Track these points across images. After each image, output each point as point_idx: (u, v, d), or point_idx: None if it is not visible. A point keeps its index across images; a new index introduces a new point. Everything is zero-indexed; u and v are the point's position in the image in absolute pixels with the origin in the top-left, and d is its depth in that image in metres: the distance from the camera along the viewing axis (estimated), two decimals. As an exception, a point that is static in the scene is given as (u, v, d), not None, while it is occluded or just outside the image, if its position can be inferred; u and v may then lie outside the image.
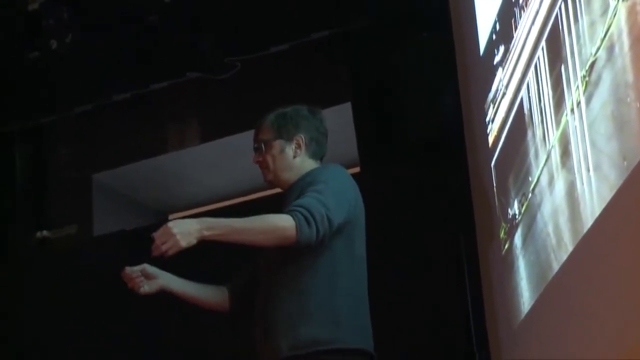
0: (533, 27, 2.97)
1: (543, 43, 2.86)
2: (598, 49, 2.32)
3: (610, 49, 2.23)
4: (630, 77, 2.13)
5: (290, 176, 3.40)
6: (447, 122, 4.75)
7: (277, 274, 3.28)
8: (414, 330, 4.74)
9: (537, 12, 2.91)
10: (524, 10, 3.10)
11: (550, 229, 2.88)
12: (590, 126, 2.42)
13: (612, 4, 2.21)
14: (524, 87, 3.13)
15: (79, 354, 5.46)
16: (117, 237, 5.78)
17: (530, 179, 3.10)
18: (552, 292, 2.88)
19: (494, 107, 3.63)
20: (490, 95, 3.67)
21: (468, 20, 4.11)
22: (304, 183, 3.30)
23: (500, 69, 3.49)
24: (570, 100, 2.57)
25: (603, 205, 2.33)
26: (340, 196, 3.25)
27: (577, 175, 2.55)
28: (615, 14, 2.19)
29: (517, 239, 3.33)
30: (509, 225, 3.47)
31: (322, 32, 5.56)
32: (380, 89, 5.41)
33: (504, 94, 3.43)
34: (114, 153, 6.20)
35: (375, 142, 5.42)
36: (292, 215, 3.12)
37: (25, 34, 5.67)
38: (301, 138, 3.42)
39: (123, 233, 5.82)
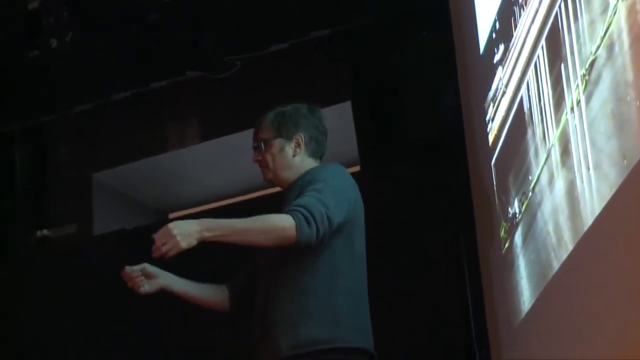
0: (533, 26, 2.96)
1: (543, 42, 2.86)
2: (598, 47, 2.31)
3: (610, 48, 2.23)
4: (630, 75, 2.13)
5: (289, 175, 3.40)
6: (447, 121, 4.75)
7: (277, 273, 3.28)
8: (414, 329, 4.74)
9: (536, 11, 2.91)
10: (523, 9, 3.10)
11: (550, 227, 2.88)
12: (590, 125, 2.42)
13: (612, 2, 2.21)
14: (524, 85, 3.13)
15: (79, 354, 5.46)
16: (117, 236, 5.78)
17: (530, 177, 3.10)
18: (552, 290, 2.88)
19: (494, 106, 3.63)
20: (490, 94, 3.67)
21: (468, 19, 4.11)
22: (304, 182, 3.30)
23: (500, 68, 3.49)
24: (570, 99, 2.57)
25: (603, 204, 2.33)
26: (340, 195, 3.25)
27: (577, 174, 2.55)
28: (615, 12, 2.19)
29: (518, 237, 3.33)
30: (509, 224, 3.47)
31: (322, 31, 5.55)
32: (381, 88, 5.41)
33: (504, 92, 3.43)
34: (114, 152, 6.20)
35: (375, 141, 5.41)
36: (292, 215, 3.12)
37: (25, 32, 5.67)
38: (301, 137, 3.42)
39: (123, 232, 5.82)
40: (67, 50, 5.58)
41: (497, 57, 3.53)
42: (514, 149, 3.31)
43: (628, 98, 2.13)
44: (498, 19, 3.53)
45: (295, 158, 3.41)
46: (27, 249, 6.11)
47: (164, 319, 5.27)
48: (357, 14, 5.42)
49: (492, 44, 3.62)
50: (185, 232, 3.05)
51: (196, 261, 3.44)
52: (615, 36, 2.20)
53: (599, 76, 2.32)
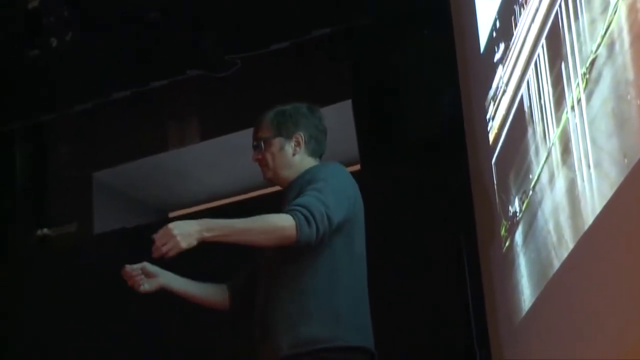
0: (533, 25, 2.96)
1: (543, 40, 2.86)
2: (598, 46, 2.31)
3: (611, 47, 2.23)
4: (630, 74, 2.13)
5: (289, 174, 3.40)
6: (447, 120, 4.75)
7: (277, 273, 3.27)
8: (414, 328, 4.74)
9: (537, 10, 2.91)
10: (524, 8, 3.10)
11: (551, 226, 2.88)
12: (590, 123, 2.41)
13: (612, 1, 2.21)
14: (524, 84, 3.13)
15: (79, 353, 5.46)
16: (117, 235, 5.78)
17: (530, 176, 3.10)
18: (552, 289, 2.88)
19: (494, 105, 3.63)
20: (491, 93, 3.67)
21: (468, 18, 4.11)
22: (303, 181, 3.30)
23: (500, 67, 3.49)
24: (571, 98, 2.57)
25: (604, 203, 2.33)
26: (339, 194, 3.25)
27: (577, 173, 2.55)
28: (615, 11, 2.19)
29: (518, 236, 3.33)
30: (509, 222, 3.47)
31: (322, 29, 5.55)
32: (381, 87, 5.40)
33: (505, 91, 3.43)
34: (115, 151, 6.20)
35: (376, 139, 5.41)
36: (292, 215, 3.12)
37: (25, 32, 5.67)
38: (300, 136, 3.42)
39: (123, 231, 5.82)
40: (67, 50, 5.58)
41: (497, 56, 3.53)
42: (514, 148, 3.31)
43: (628, 97, 2.13)
44: (498, 17, 3.53)
45: (295, 157, 3.41)
46: (28, 248, 6.11)
47: (164, 319, 5.27)
48: (358, 13, 5.42)
49: (492, 43, 3.62)
50: (185, 232, 3.05)
51: (196, 261, 3.44)
52: (615, 35, 2.20)
53: (599, 75, 2.32)
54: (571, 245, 2.64)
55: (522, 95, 3.18)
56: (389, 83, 5.37)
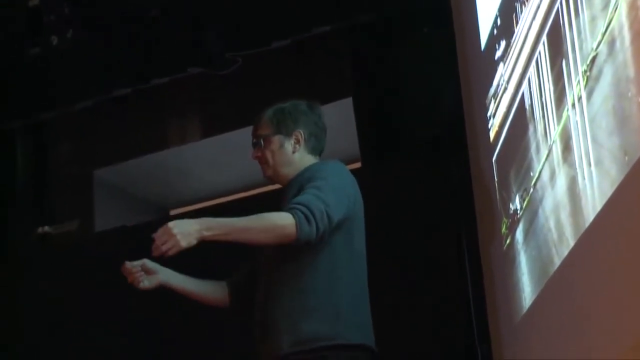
0: (534, 22, 2.96)
1: (544, 38, 2.86)
2: (599, 43, 2.31)
3: (611, 44, 2.23)
4: (631, 71, 2.12)
5: (289, 171, 3.40)
6: (448, 117, 4.74)
7: (277, 272, 3.28)
8: (415, 325, 4.74)
9: (538, 7, 2.91)
10: (525, 5, 3.09)
11: (551, 224, 2.88)
12: (591, 121, 2.41)
13: (613, -2, 2.21)
14: (525, 82, 3.13)
15: (80, 351, 5.46)
16: (118, 233, 5.78)
17: (531, 174, 3.10)
18: (553, 287, 2.88)
19: (495, 102, 3.63)
20: (492, 90, 3.67)
21: (469, 16, 4.10)
22: (303, 179, 3.30)
23: (501, 64, 3.48)
24: (572, 95, 2.57)
25: (604, 200, 2.33)
26: (339, 192, 3.25)
27: (578, 170, 2.55)
28: (616, 8, 2.19)
29: (519, 234, 3.33)
30: (510, 220, 3.47)
31: (323, 27, 5.55)
32: (382, 84, 5.40)
33: (505, 88, 3.43)
34: (115, 149, 6.20)
35: (376, 137, 5.41)
36: (292, 213, 3.12)
37: (26, 30, 5.67)
38: (300, 133, 3.42)
39: (124, 229, 5.82)
40: (67, 48, 5.58)
41: (498, 53, 3.53)
42: (515, 145, 3.31)
43: (629, 94, 2.13)
44: (499, 15, 3.52)
45: (294, 154, 3.41)
46: (28, 246, 6.11)
47: (165, 316, 5.27)
48: (358, 11, 5.42)
49: (493, 40, 3.62)
50: (185, 231, 3.05)
51: (196, 258, 3.44)
52: (616, 32, 2.20)
53: (600, 72, 2.32)
54: (572, 243, 2.64)
55: (523, 93, 3.18)
56: (389, 81, 5.36)
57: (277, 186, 3.56)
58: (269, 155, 3.41)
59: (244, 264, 3.53)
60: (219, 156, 6.15)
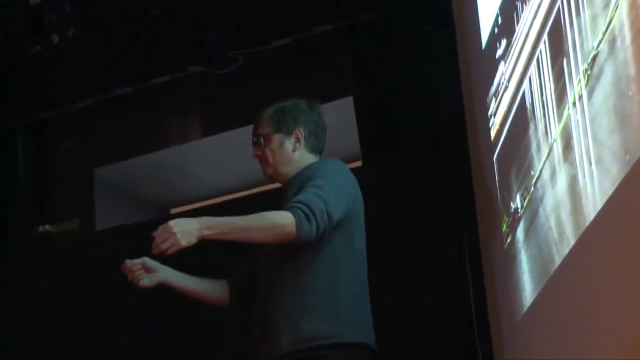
0: (535, 21, 2.96)
1: (545, 36, 2.86)
2: (600, 42, 2.31)
3: (612, 43, 2.23)
4: (632, 70, 2.12)
5: (289, 170, 3.40)
6: (449, 116, 4.74)
7: (277, 271, 3.28)
8: (416, 324, 4.74)
9: (539, 6, 2.91)
10: (526, 4, 3.09)
11: (552, 222, 2.88)
12: (592, 120, 2.41)
13: (614, -3, 2.21)
14: (526, 80, 3.13)
15: (80, 349, 5.46)
16: (118, 232, 5.78)
17: (532, 172, 3.09)
18: (554, 285, 2.88)
19: (496, 101, 3.63)
20: (493, 89, 3.66)
21: (470, 14, 4.10)
22: (303, 177, 3.30)
23: (502, 63, 3.48)
24: (572, 94, 2.57)
25: (605, 199, 2.33)
26: (339, 191, 3.25)
27: (579, 169, 2.55)
28: (616, 7, 2.19)
29: (520, 232, 3.33)
30: (511, 218, 3.47)
31: (324, 26, 5.55)
32: (382, 83, 5.40)
33: (506, 87, 3.43)
34: (116, 148, 6.20)
35: (377, 136, 5.41)
36: (292, 212, 3.12)
37: (26, 29, 5.67)
38: (300, 132, 3.42)
39: (125, 228, 5.83)
40: (68, 46, 5.58)
41: (499, 52, 3.53)
42: (516, 144, 3.31)
43: (630, 93, 2.13)
44: (500, 13, 3.52)
45: (294, 153, 3.41)
46: (29, 245, 6.11)
47: (165, 316, 5.27)
48: (359, 10, 5.42)
49: (494, 39, 3.62)
50: (185, 230, 3.05)
51: (196, 257, 3.44)
52: (617, 31, 2.20)
53: (600, 71, 2.32)
54: (572, 242, 2.64)
55: (523, 92, 3.18)
56: (390, 79, 5.36)
57: (277, 185, 3.56)
58: (269, 154, 3.41)
59: (244, 264, 3.53)
60: (219, 155, 6.15)
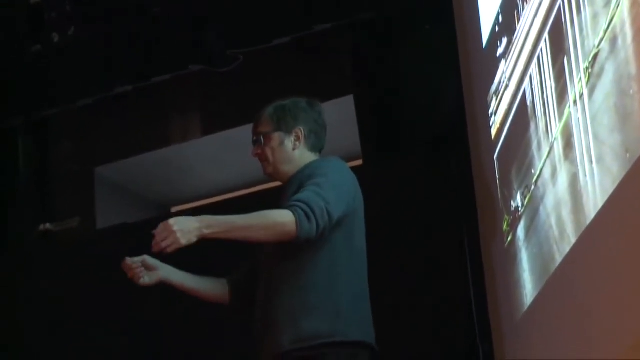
0: (536, 19, 2.96)
1: (546, 35, 2.85)
2: (601, 40, 2.31)
3: (613, 41, 2.23)
4: (633, 69, 2.12)
5: (289, 169, 3.40)
6: (449, 115, 4.74)
7: (277, 270, 3.27)
8: (416, 323, 4.73)
9: (540, 4, 2.90)
10: (526, 2, 3.09)
11: (553, 221, 2.88)
12: (593, 118, 2.41)
13: (615, -5, 2.21)
14: (527, 79, 3.13)
15: (81, 348, 5.46)
16: (119, 230, 5.78)
17: (533, 171, 3.09)
18: (554, 284, 2.87)
19: (496, 100, 3.62)
20: (493, 88, 3.66)
21: (471, 12, 4.10)
22: (303, 176, 3.30)
23: (503, 61, 3.48)
24: (573, 92, 2.57)
25: (606, 198, 2.33)
26: (339, 189, 3.25)
27: (580, 168, 2.55)
28: (618, 5, 2.19)
29: (520, 231, 3.33)
30: (511, 217, 3.46)
31: (324, 24, 5.54)
32: (383, 82, 5.40)
33: (507, 86, 3.43)
34: (117, 146, 6.20)
35: (378, 134, 5.41)
36: (292, 211, 3.12)
37: (27, 27, 5.66)
38: (300, 130, 3.42)
39: (125, 226, 5.83)
40: (69, 45, 5.57)
41: (500, 51, 3.53)
42: (516, 143, 3.31)
43: (631, 91, 2.13)
44: (501, 11, 3.52)
45: (295, 152, 3.41)
46: (30, 243, 6.11)
47: (165, 314, 5.27)
48: (359, 8, 5.42)
49: (495, 37, 3.61)
50: (185, 228, 3.05)
51: (196, 256, 3.44)
52: (618, 29, 2.19)
53: (602, 69, 2.32)
54: (573, 240, 2.64)
55: (524, 90, 3.18)
56: (390, 78, 5.36)
57: (277, 183, 3.55)
58: (269, 152, 3.41)
59: (244, 262, 3.53)
60: (219, 154, 6.15)
